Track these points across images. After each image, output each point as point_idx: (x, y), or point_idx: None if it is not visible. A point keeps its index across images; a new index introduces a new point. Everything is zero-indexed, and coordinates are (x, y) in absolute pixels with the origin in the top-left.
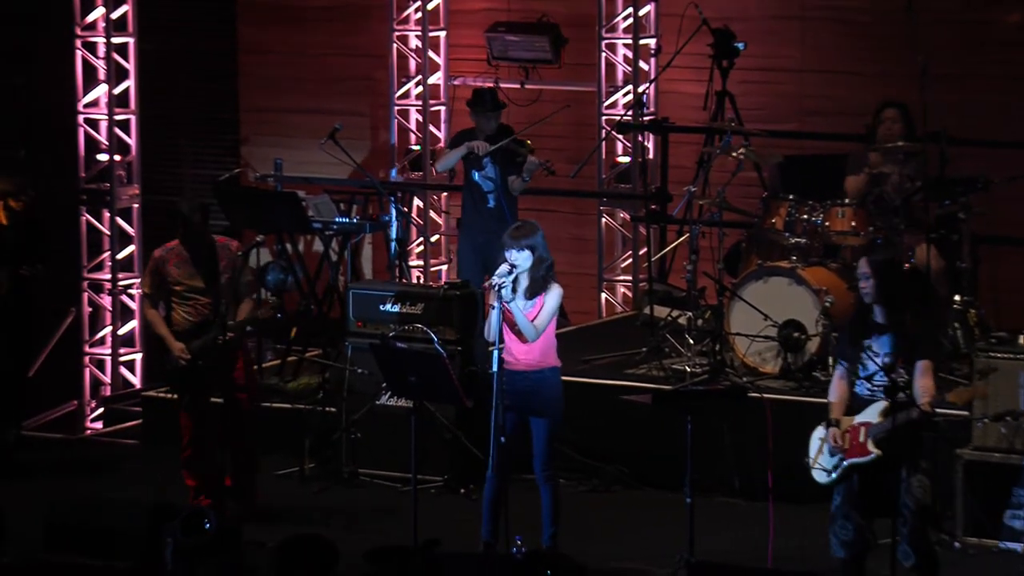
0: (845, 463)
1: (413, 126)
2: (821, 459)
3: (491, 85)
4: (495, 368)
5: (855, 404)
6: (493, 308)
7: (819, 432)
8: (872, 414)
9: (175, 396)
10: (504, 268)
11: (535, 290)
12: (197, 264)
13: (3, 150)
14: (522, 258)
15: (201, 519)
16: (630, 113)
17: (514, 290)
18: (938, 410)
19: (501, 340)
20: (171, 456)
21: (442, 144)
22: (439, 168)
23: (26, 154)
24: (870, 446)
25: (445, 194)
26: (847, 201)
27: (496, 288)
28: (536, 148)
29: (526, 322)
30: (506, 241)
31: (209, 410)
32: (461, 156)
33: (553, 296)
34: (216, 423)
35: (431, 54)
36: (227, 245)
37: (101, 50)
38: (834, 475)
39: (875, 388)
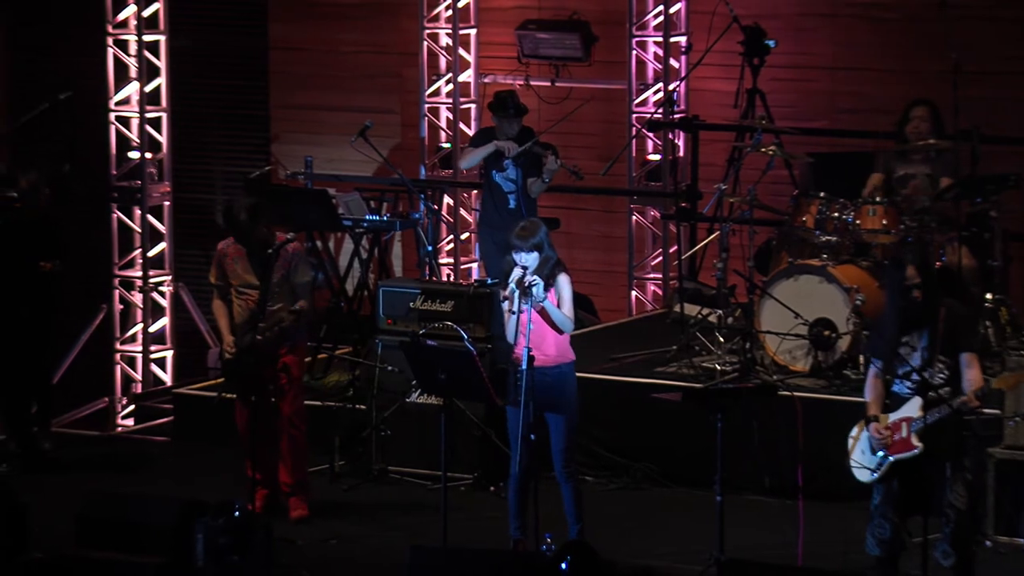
0: (890, 459)
1: (443, 123)
2: (862, 457)
3: (514, 87)
4: (524, 366)
5: (893, 402)
6: (513, 313)
7: (859, 429)
8: (913, 409)
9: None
10: (517, 272)
11: (545, 286)
12: (252, 260)
13: (48, 162)
14: (531, 259)
15: (231, 511)
16: (660, 111)
17: (527, 292)
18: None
19: (517, 339)
20: (202, 452)
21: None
22: (464, 165)
23: (71, 169)
24: (914, 440)
25: (475, 191)
26: (877, 199)
27: (528, 286)
28: (565, 147)
29: (561, 315)
30: (514, 243)
31: (261, 405)
32: (487, 154)
33: (565, 285)
34: (270, 418)
35: (461, 52)
36: (284, 244)
37: (133, 47)
38: (877, 473)
39: (914, 385)
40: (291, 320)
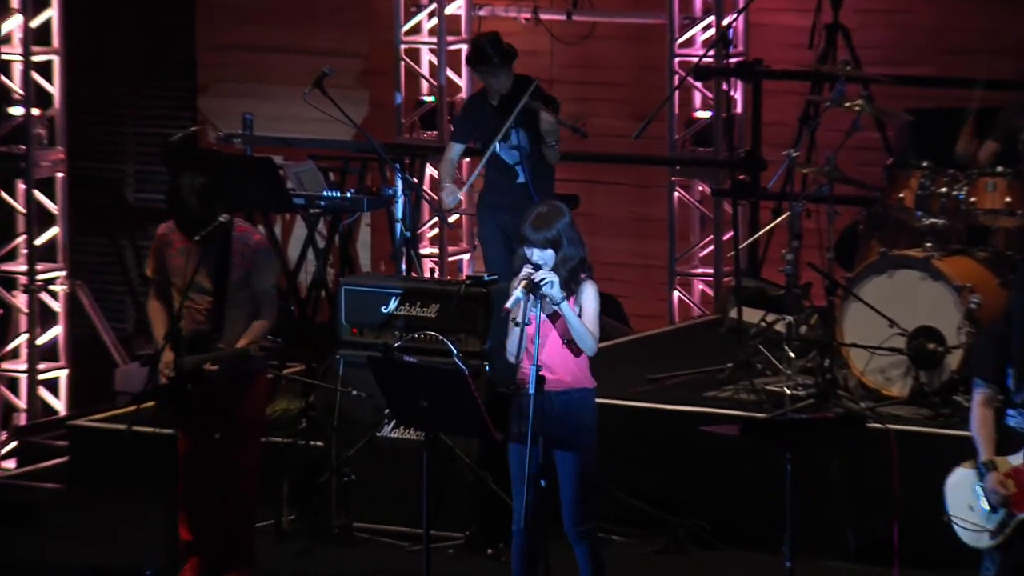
0: (1017, 517)
1: (425, 70)
2: (972, 515)
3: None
4: (532, 390)
5: (1007, 439)
6: (518, 325)
7: (962, 476)
8: None
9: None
10: (526, 271)
11: (566, 291)
12: (203, 255)
13: None
14: (547, 257)
15: None
16: (711, 54)
17: (536, 291)
18: None
19: (522, 355)
20: (107, 502)
21: (462, 95)
22: (447, 204)
23: None
24: None
25: (467, 160)
26: (999, 169)
27: (538, 284)
28: (585, 102)
29: (583, 326)
30: (525, 235)
31: (204, 445)
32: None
33: (589, 297)
34: (216, 463)
35: None
36: (245, 236)
37: None
38: (998, 536)
39: None
40: (260, 355)
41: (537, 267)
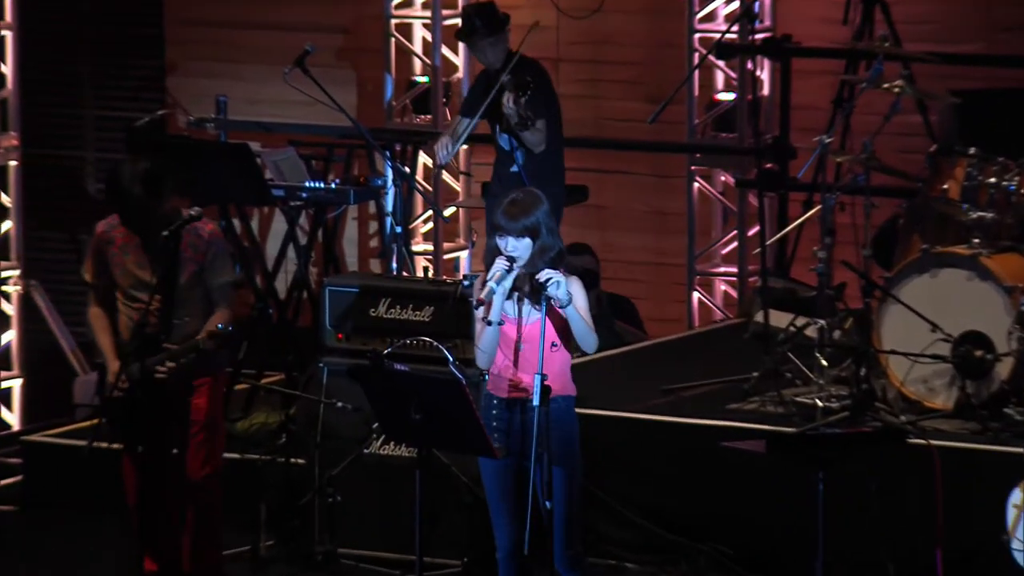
0: None
1: (418, 47)
2: None
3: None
4: (537, 401)
5: None
6: (489, 323)
7: (1021, 497)
8: None
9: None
10: (501, 264)
11: (538, 288)
12: (149, 252)
13: None
14: (522, 247)
15: None
16: (735, 29)
17: (516, 294)
18: None
19: (492, 357)
20: (65, 525)
21: (459, 75)
22: (440, 159)
23: None
24: None
25: (465, 147)
26: None
27: (542, 284)
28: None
29: (587, 328)
30: (499, 222)
31: (158, 461)
32: (450, 149)
33: (577, 291)
34: (171, 480)
35: None
36: (196, 227)
37: None
38: None
39: None
40: (211, 347)
41: (511, 258)
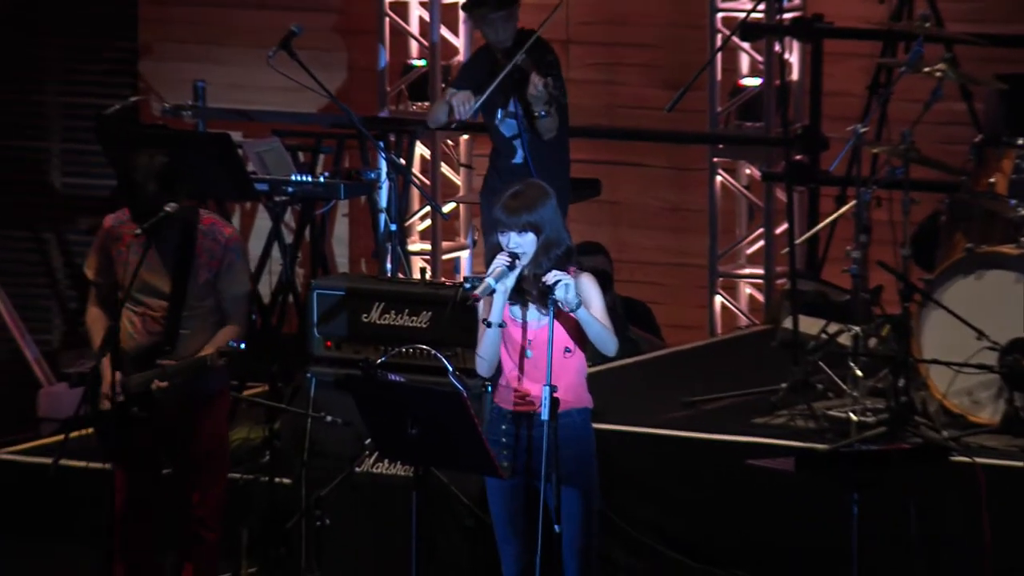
0: None
1: (415, 28)
2: None
3: None
4: (545, 415)
5: None
6: (489, 325)
7: None
8: None
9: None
10: (502, 260)
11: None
12: (161, 253)
13: None
14: (526, 243)
15: None
16: (761, 8)
17: (520, 297)
18: None
19: (496, 364)
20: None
21: (459, 59)
22: (429, 124)
23: None
24: None
25: (465, 137)
26: None
27: (550, 287)
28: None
29: (603, 330)
30: (500, 217)
31: (152, 484)
32: (446, 111)
33: (590, 289)
34: (166, 506)
35: None
36: (213, 230)
37: None
38: None
39: None
40: (220, 365)
41: (514, 255)
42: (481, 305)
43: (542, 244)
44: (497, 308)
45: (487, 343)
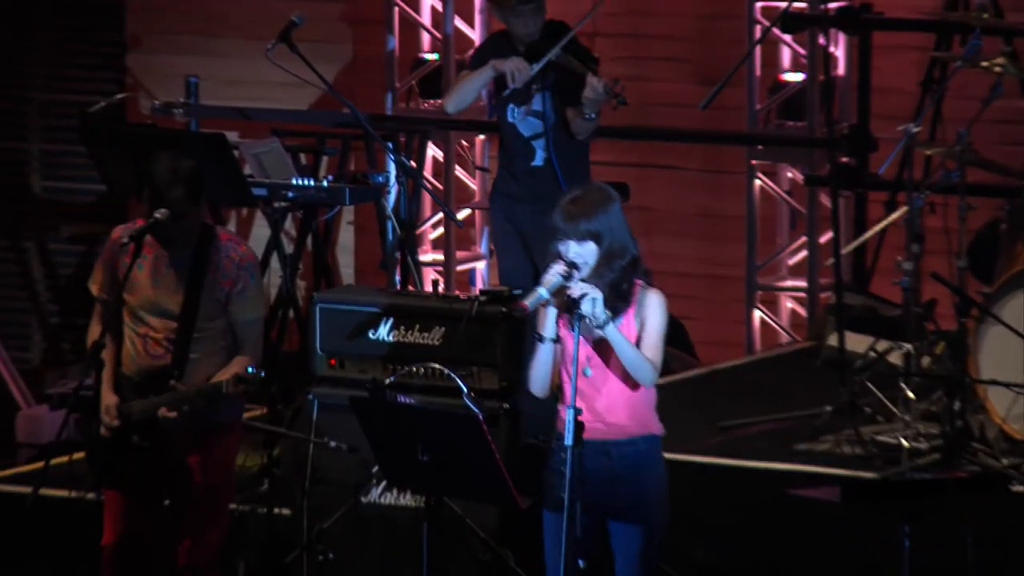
0: None
1: (426, 19)
2: None
3: None
4: (569, 441)
5: None
6: (543, 341)
7: None
8: None
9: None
10: (555, 271)
11: (614, 302)
12: (175, 268)
13: None
14: (587, 253)
15: None
16: None
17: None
18: None
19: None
20: None
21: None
22: (450, 107)
23: None
24: None
25: (482, 137)
26: None
27: (575, 301)
28: (635, 61)
29: (637, 356)
30: (559, 224)
31: (147, 517)
32: (484, 85)
33: (654, 307)
34: (161, 540)
35: None
36: (230, 247)
37: None
38: None
39: None
40: (236, 393)
41: (573, 264)
42: (539, 318)
43: (604, 254)
44: (550, 321)
45: (537, 359)
